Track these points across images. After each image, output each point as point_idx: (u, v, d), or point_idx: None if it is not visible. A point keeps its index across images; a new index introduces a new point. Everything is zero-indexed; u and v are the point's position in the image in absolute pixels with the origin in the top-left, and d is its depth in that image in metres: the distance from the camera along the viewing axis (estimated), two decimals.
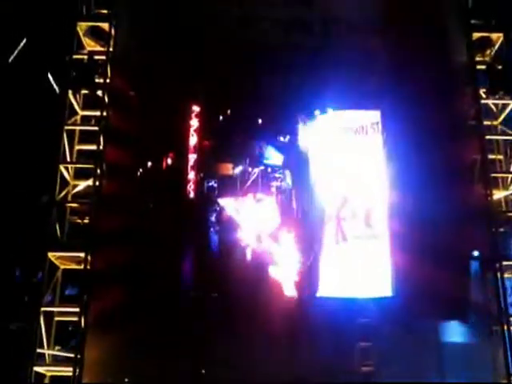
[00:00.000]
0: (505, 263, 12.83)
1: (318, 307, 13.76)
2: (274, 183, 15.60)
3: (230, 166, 15.83)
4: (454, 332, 12.95)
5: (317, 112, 15.24)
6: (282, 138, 15.64)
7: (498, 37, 14.20)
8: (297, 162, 14.41)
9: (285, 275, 14.54)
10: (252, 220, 15.26)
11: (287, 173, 15.68)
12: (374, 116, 14.85)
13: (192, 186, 15.51)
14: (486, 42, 14.29)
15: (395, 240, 13.95)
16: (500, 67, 13.92)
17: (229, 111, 15.75)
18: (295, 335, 13.18)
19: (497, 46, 14.23)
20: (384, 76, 14.58)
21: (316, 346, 13.00)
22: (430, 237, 13.44)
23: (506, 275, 12.86)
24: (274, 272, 14.69)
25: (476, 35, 14.21)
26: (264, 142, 15.72)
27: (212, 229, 15.34)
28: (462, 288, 12.93)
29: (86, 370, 12.16)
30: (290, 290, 14.42)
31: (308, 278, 14.20)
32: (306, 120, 15.33)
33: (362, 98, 14.80)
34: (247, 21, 15.01)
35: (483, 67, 14.03)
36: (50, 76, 15.64)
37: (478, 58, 14.16)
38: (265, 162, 15.63)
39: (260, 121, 15.62)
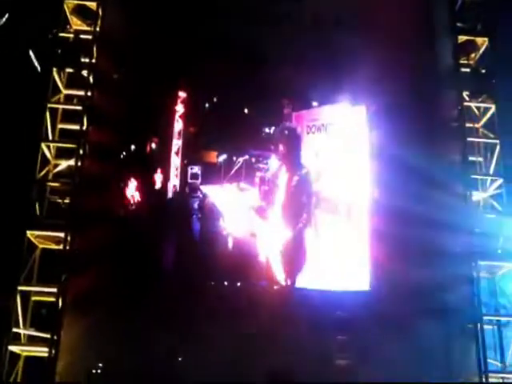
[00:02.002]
0: (480, 263, 13.11)
1: (296, 299, 13.78)
2: (258, 174, 15.57)
3: (214, 153, 15.79)
4: (430, 329, 13.11)
5: (301, 106, 15.30)
6: (267, 129, 15.66)
7: (483, 41, 14.44)
8: (287, 136, 14.04)
9: (270, 250, 14.04)
10: (235, 209, 15.22)
11: (273, 156, 15.33)
12: (358, 112, 14.95)
13: (175, 172, 15.47)
14: (471, 46, 14.53)
15: (374, 235, 14.09)
16: (484, 71, 14.20)
17: (215, 99, 15.70)
18: (273, 326, 13.17)
19: (481, 51, 14.48)
20: (370, 74, 14.65)
21: (293, 338, 13.03)
22: (409, 233, 13.60)
23: (481, 275, 13.14)
24: (259, 251, 14.38)
25: (461, 38, 14.43)
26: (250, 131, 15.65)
27: (194, 216, 15.30)
28: (438, 285, 13.11)
29: (61, 351, 12.01)
30: (276, 266, 13.91)
31: (294, 250, 13.68)
32: (291, 109, 15.33)
33: (347, 94, 14.90)
34: (236, 13, 15.00)
35: (467, 70, 14.29)
36: (31, 53, 15.30)
37: (462, 61, 14.41)
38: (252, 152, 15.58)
39: (246, 110, 15.63)
